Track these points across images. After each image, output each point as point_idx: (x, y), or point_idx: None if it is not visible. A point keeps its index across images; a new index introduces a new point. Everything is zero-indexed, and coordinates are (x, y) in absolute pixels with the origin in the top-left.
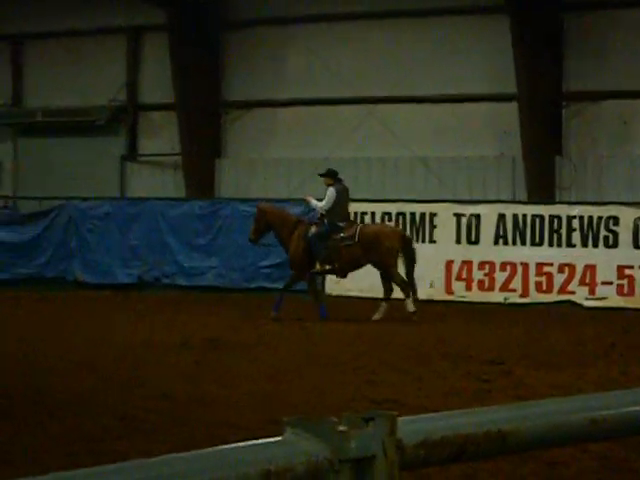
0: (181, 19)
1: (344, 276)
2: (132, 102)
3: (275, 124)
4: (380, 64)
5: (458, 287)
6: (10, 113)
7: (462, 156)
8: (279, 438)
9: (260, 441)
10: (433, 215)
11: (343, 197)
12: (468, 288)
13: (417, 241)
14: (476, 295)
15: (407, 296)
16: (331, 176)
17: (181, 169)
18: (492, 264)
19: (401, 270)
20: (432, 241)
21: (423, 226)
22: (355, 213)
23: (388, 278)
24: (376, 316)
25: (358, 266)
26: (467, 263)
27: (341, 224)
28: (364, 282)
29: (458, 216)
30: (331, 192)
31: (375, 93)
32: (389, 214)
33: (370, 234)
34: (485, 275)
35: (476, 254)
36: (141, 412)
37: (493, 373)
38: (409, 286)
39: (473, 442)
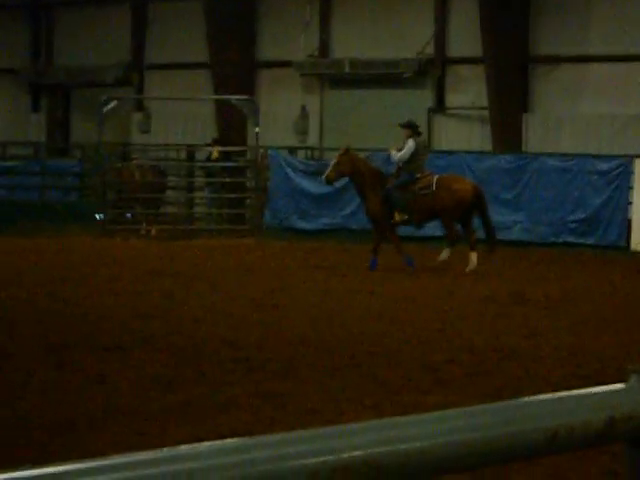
0: None
1: (421, 226)
2: (440, 55)
3: (584, 79)
4: None
5: None
6: (318, 64)
7: None
8: (622, 385)
9: (603, 388)
10: None
11: (421, 149)
12: None
13: None
14: None
15: (450, 246)
16: (411, 128)
17: (488, 123)
18: None
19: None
20: None
21: None
22: None
23: (468, 226)
24: (442, 256)
25: (434, 216)
26: None
27: (418, 175)
28: None
29: None
30: (411, 144)
31: None
32: None
33: (445, 184)
34: None
35: None
36: (445, 364)
37: None
38: (490, 241)
39: None
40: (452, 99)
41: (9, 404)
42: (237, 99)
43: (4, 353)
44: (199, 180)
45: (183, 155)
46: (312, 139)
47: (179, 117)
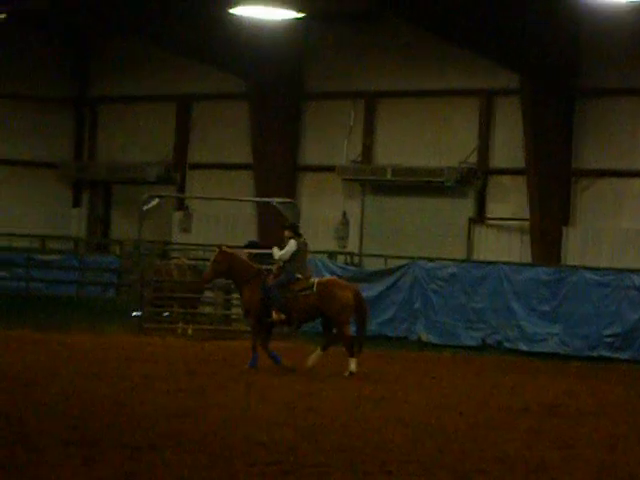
0: (535, 84)
1: (298, 327)
2: (482, 165)
3: (626, 194)
4: None
5: None
6: (360, 169)
7: None
8: None
9: None
10: None
11: (302, 251)
12: None
13: None
14: None
15: (351, 355)
16: (292, 230)
17: (528, 234)
18: None
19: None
20: None
21: None
22: None
23: (331, 330)
24: (309, 362)
25: (313, 317)
26: None
27: (299, 275)
28: None
29: None
30: (292, 244)
31: None
32: None
33: (326, 287)
34: None
35: None
36: (475, 474)
37: None
38: (357, 345)
39: None
40: (493, 209)
41: None
42: (279, 202)
43: (34, 447)
44: None
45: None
46: (352, 244)
47: (220, 217)
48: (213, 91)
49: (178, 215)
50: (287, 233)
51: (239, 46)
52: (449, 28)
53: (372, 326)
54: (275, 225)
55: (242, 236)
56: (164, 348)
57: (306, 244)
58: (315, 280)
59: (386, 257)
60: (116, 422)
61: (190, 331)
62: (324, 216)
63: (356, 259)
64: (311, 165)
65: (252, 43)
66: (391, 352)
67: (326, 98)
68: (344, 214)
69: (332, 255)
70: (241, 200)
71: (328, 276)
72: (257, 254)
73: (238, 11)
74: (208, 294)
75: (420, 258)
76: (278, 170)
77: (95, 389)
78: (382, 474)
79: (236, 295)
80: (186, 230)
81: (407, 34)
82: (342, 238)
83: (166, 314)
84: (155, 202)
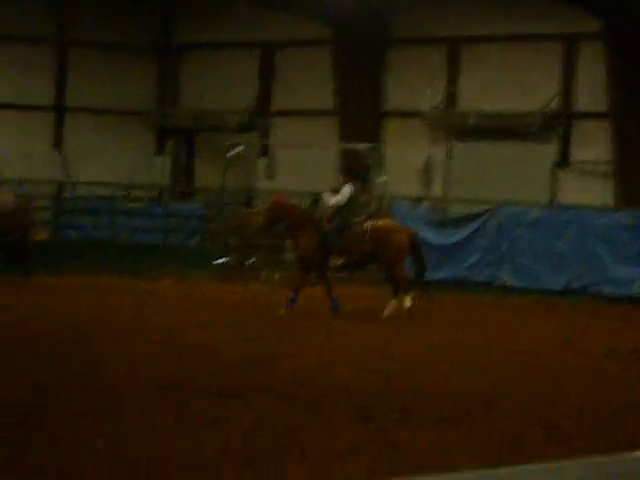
0: (617, 29)
1: (353, 272)
2: (565, 110)
3: None
4: None
5: None
6: (444, 115)
7: None
8: None
9: None
10: None
11: (358, 195)
12: None
13: None
14: None
15: (407, 292)
16: (347, 174)
17: (611, 178)
18: None
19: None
20: None
21: None
22: None
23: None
24: (386, 312)
25: (369, 261)
26: None
27: (354, 220)
28: None
29: None
30: (347, 189)
31: None
32: None
33: (380, 231)
34: None
35: None
36: (561, 418)
37: None
38: (415, 283)
39: None
40: (577, 153)
41: (127, 445)
42: (363, 147)
43: (125, 394)
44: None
45: (307, 202)
46: (437, 190)
47: (304, 164)
48: (296, 37)
49: (262, 162)
50: (342, 178)
51: None
52: None
53: (457, 271)
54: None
55: (326, 182)
56: (248, 295)
57: (361, 188)
58: (369, 224)
59: (471, 202)
60: (203, 369)
61: (277, 277)
62: (408, 161)
63: (440, 204)
64: (395, 111)
65: None
66: (476, 297)
67: (409, 44)
68: (428, 159)
69: (417, 200)
70: (325, 146)
71: (391, 220)
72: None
73: None
74: None
75: (505, 202)
76: (362, 116)
77: (180, 337)
78: (468, 419)
79: None
80: (270, 177)
81: None
82: (427, 183)
83: (251, 261)
84: (239, 149)
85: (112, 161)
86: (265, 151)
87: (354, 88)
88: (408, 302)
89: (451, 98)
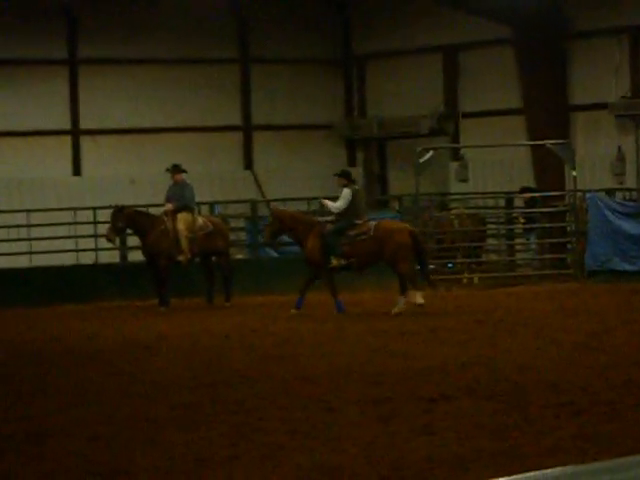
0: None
1: (360, 271)
2: None
3: None
4: None
5: None
6: (632, 105)
7: None
8: None
9: None
10: None
11: (358, 196)
12: None
13: None
14: None
15: (416, 288)
16: (345, 177)
17: None
18: None
19: None
20: None
21: None
22: None
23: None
24: (395, 310)
25: (373, 261)
26: None
27: (357, 221)
28: None
29: None
30: (346, 192)
31: None
32: None
33: (382, 229)
34: None
35: None
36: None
37: None
38: (422, 279)
39: None
40: None
41: (333, 456)
42: (552, 143)
43: (330, 407)
44: (518, 227)
45: (501, 202)
46: (629, 180)
47: (495, 164)
48: (477, 39)
49: (454, 165)
50: (340, 181)
51: None
52: None
53: None
54: (551, 168)
55: (519, 181)
56: (451, 299)
57: (361, 189)
58: (372, 224)
59: None
60: (407, 376)
61: (476, 279)
62: (599, 154)
63: (634, 194)
64: (581, 104)
65: None
66: None
67: (590, 36)
68: (619, 150)
69: (610, 192)
70: (516, 145)
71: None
72: (532, 198)
73: None
74: (491, 241)
75: None
76: (549, 112)
77: (383, 345)
78: None
79: (519, 240)
80: (463, 180)
81: None
82: (619, 174)
83: (450, 265)
84: (430, 154)
85: (302, 177)
86: (456, 154)
87: (539, 85)
88: (420, 298)
89: (637, 87)
